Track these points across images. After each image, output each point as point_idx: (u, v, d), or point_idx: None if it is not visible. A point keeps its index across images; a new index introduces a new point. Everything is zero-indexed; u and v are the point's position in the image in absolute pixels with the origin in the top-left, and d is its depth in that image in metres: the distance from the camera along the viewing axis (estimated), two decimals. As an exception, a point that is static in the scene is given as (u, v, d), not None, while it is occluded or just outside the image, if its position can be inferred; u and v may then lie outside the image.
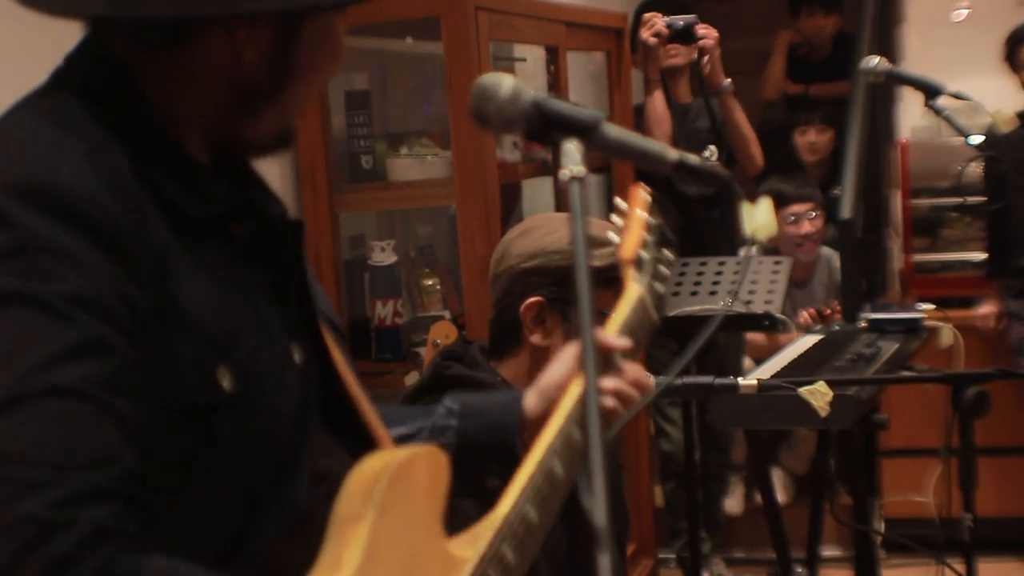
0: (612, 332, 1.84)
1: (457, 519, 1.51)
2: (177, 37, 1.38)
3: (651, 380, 2.37)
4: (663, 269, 2.00)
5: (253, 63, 1.40)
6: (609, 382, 1.73)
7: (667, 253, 2.02)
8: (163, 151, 1.37)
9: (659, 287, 1.98)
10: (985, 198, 5.13)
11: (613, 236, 2.00)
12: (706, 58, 4.80)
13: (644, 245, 1.96)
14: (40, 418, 1.17)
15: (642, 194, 2.02)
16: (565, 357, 1.81)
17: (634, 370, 1.79)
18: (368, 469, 1.39)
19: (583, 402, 1.66)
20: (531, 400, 1.81)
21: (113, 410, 1.21)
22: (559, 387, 1.76)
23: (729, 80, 4.84)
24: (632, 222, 1.98)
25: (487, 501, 1.57)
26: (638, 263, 1.94)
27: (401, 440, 1.80)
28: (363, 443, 1.53)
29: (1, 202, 1.23)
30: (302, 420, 1.43)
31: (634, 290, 1.92)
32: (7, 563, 1.11)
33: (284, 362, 1.42)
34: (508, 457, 1.71)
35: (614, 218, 2.02)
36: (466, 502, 1.58)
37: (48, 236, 1.22)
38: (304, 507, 1.39)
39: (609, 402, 1.73)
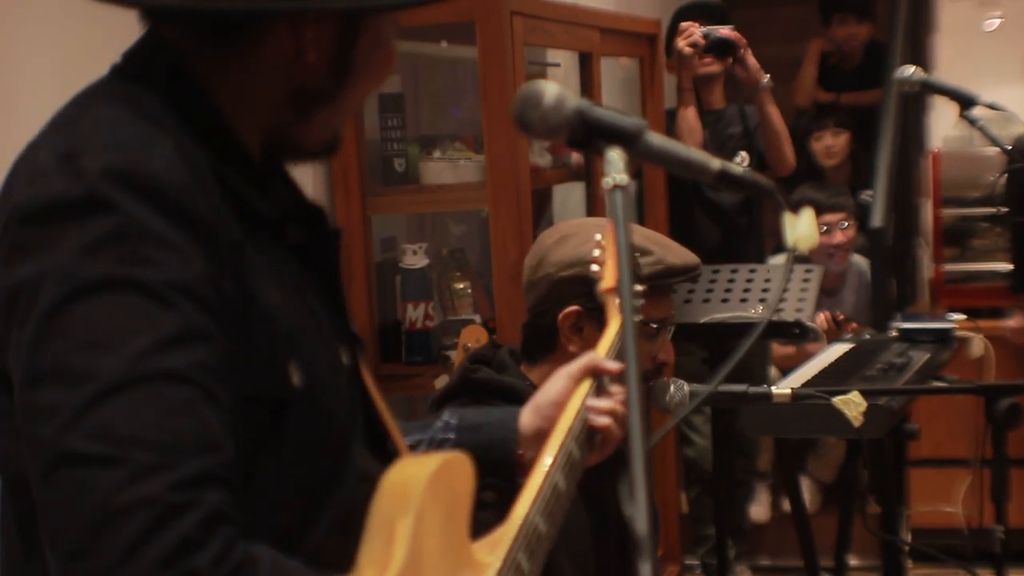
0: (601, 357, 1.90)
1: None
2: (243, 33, 1.38)
3: (685, 388, 2.38)
4: (637, 301, 2.05)
5: (315, 64, 1.40)
6: (604, 403, 1.78)
7: (638, 287, 2.06)
8: (232, 150, 1.39)
9: (637, 317, 2.03)
10: (1010, 209, 5.09)
11: (595, 268, 2.06)
12: (742, 51, 4.79)
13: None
14: (152, 402, 1.17)
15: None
16: (561, 375, 1.85)
17: (622, 391, 1.84)
18: (403, 473, 1.40)
19: (581, 419, 1.74)
20: (526, 417, 1.85)
21: (216, 398, 1.22)
22: (554, 404, 1.80)
23: (768, 76, 4.83)
24: (611, 253, 2.02)
25: (480, 512, 1.58)
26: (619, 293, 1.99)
27: None
28: (385, 452, 1.55)
29: (103, 187, 1.23)
30: (352, 420, 1.46)
31: (618, 319, 1.97)
32: (131, 544, 1.11)
33: (336, 363, 1.44)
34: (503, 472, 1.74)
35: (595, 251, 2.07)
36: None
37: (149, 223, 1.23)
38: (353, 506, 1.41)
39: (604, 420, 1.77)
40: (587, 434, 1.75)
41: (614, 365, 1.84)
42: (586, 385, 1.80)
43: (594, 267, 2.06)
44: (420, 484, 1.37)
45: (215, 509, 1.15)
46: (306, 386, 1.35)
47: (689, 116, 4.82)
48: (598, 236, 2.11)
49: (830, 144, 5.92)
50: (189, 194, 1.26)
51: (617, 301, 2.00)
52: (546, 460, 1.65)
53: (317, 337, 1.40)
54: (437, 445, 1.86)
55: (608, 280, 2.01)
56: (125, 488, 1.13)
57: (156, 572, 1.11)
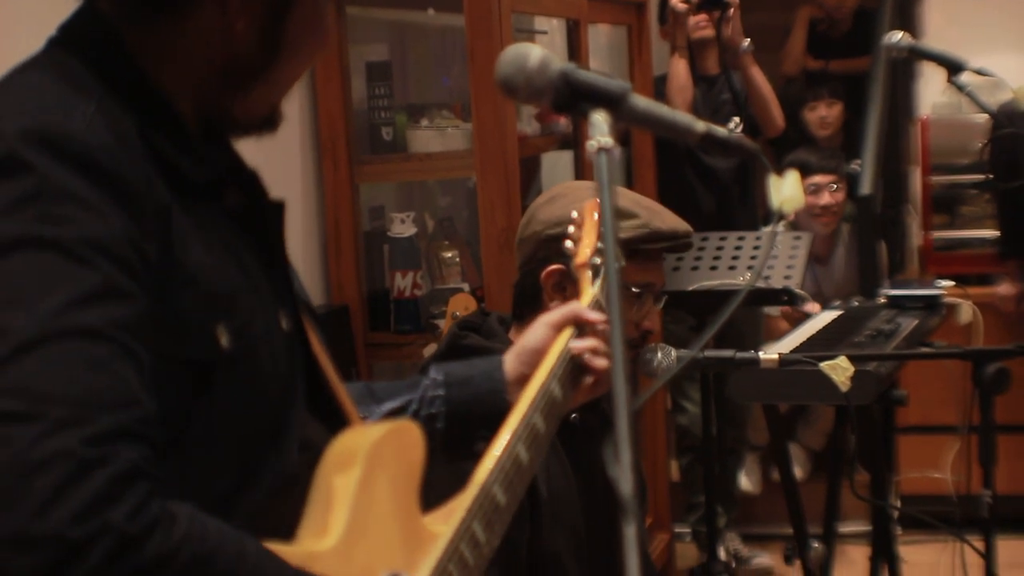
0: (583, 307, 1.95)
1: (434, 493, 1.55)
2: (171, 3, 1.38)
3: (672, 354, 2.38)
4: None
5: (244, 36, 1.41)
6: (586, 342, 1.85)
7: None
8: (160, 114, 1.39)
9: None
10: (994, 175, 5.09)
11: (569, 244, 2.10)
12: (731, 11, 4.78)
13: (598, 252, 2.05)
14: (66, 357, 1.17)
15: (596, 204, 2.09)
16: (541, 324, 1.89)
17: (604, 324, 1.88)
18: (349, 441, 1.42)
19: (563, 360, 1.80)
20: (509, 364, 1.89)
21: (134, 354, 1.22)
22: (535, 352, 1.85)
23: (748, 40, 4.82)
24: (586, 230, 2.08)
25: (472, 464, 1.62)
26: (593, 269, 2.04)
27: (392, 414, 1.85)
28: (335, 420, 1.55)
29: (19, 149, 1.24)
30: (291, 385, 1.46)
31: (589, 294, 2.01)
32: (47, 499, 1.11)
33: (274, 327, 1.44)
34: (496, 422, 1.74)
35: (570, 228, 2.11)
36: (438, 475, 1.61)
37: (66, 182, 1.23)
38: (294, 472, 1.42)
39: (601, 362, 1.83)
40: (570, 375, 1.81)
41: (596, 316, 1.87)
42: (566, 335, 1.85)
43: (568, 243, 2.08)
44: (364, 452, 1.39)
45: (131, 464, 1.16)
46: (236, 349, 1.35)
47: (681, 73, 4.81)
48: (574, 214, 2.12)
49: (824, 115, 5.91)
50: (109, 154, 1.27)
51: (588, 275, 2.04)
52: (507, 428, 1.67)
53: (252, 300, 1.40)
54: (428, 403, 1.87)
55: (580, 255, 2.04)
56: (39, 443, 1.13)
57: (71, 526, 1.11)
